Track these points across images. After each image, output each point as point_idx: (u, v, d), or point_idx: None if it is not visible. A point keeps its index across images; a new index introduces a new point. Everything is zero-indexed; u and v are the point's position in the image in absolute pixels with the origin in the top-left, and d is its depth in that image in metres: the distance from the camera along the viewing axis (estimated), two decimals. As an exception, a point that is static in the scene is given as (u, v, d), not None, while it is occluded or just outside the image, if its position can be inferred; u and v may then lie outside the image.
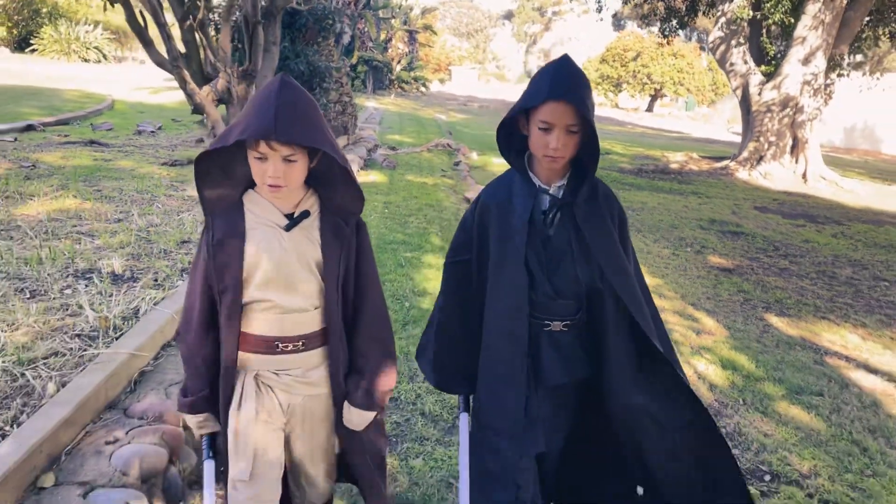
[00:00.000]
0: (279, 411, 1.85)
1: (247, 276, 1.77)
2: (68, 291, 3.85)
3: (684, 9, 17.51)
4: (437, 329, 2.13)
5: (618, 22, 51.44)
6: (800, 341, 5.04)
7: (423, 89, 36.56)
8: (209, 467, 1.85)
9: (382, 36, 32.32)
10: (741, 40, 15.19)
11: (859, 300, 6.29)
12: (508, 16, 79.96)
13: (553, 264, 1.96)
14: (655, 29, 18.55)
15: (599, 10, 17.86)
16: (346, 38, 25.06)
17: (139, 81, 22.79)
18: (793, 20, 14.08)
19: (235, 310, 1.77)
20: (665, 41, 18.65)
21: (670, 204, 10.70)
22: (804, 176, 14.28)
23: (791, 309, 5.81)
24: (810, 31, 13.73)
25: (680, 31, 18.52)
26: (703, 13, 17.20)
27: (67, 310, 3.59)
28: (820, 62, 13.98)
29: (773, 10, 13.66)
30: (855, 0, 13.80)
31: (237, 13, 6.86)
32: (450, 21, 74.63)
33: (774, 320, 5.47)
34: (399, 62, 35.71)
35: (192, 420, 1.86)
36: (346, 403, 1.90)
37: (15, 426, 2.53)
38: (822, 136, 29.96)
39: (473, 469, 2.01)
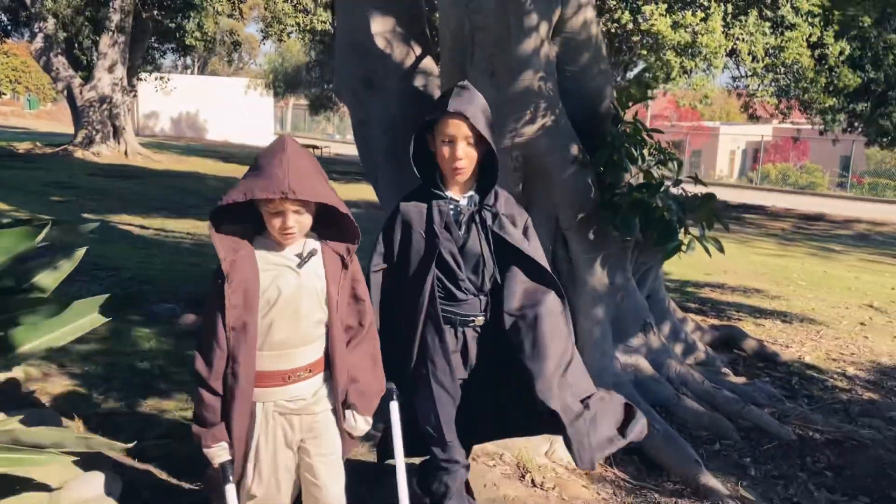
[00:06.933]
0: (293, 434, 2.08)
1: (263, 313, 1.97)
2: None
3: (6, 20, 20.74)
4: None
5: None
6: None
7: None
8: (231, 491, 1.98)
9: None
10: (60, 52, 19.52)
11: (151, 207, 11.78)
12: None
13: (469, 265, 2.31)
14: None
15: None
16: None
17: None
18: (98, 39, 19.16)
19: (252, 346, 1.96)
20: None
21: (20, 174, 14.59)
22: (126, 153, 19.76)
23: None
24: (110, 49, 19.06)
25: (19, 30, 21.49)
26: (23, 24, 20.71)
27: None
28: (120, 71, 19.50)
29: (79, 33, 18.49)
30: (140, 30, 19.71)
31: None
32: None
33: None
34: None
35: (214, 450, 1.99)
36: (348, 412, 2.16)
37: None
38: (156, 127, 36.57)
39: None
